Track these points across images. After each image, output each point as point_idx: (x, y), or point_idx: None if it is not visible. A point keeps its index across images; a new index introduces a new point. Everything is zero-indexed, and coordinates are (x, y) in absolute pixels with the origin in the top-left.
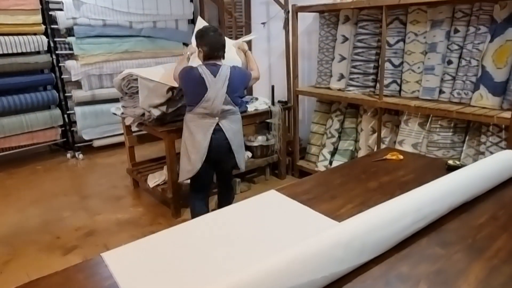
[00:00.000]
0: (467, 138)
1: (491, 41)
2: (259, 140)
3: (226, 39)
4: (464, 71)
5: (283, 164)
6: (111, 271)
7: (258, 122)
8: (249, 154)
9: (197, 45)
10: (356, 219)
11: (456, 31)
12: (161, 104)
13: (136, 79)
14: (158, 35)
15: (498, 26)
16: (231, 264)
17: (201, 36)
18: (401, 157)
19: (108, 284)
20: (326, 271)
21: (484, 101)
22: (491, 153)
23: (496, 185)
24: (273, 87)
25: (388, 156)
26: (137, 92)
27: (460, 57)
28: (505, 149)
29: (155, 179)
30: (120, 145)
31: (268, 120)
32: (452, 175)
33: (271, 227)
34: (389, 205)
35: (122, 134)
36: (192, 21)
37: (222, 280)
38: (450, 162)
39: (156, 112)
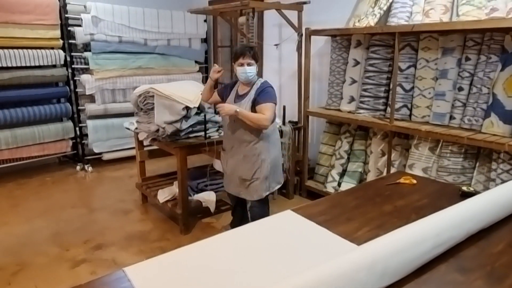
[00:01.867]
0: (477, 164)
1: (502, 70)
2: None
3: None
4: (475, 98)
5: (291, 183)
6: (134, 286)
7: None
8: None
9: (256, 62)
10: (377, 242)
11: (467, 59)
12: (176, 121)
13: (153, 96)
14: (171, 52)
15: (509, 55)
16: (252, 283)
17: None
18: (414, 181)
19: None
20: None
21: (495, 128)
22: (502, 180)
23: None
24: (284, 107)
25: (401, 180)
26: (152, 109)
27: (471, 84)
28: None
29: (165, 195)
30: (128, 159)
31: None
32: (470, 201)
33: (291, 247)
34: (409, 230)
35: (131, 148)
36: (205, 40)
37: None
38: (464, 188)
39: (170, 129)
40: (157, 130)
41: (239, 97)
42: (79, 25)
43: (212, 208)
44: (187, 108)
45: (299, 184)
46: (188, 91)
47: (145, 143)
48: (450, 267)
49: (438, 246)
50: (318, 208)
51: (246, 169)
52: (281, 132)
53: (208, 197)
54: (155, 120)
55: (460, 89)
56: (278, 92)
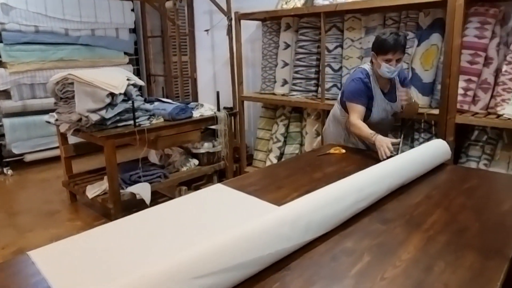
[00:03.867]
0: (402, 136)
1: (418, 45)
2: (205, 147)
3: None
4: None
5: (230, 170)
6: (39, 267)
7: (204, 128)
8: (196, 161)
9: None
10: (301, 199)
11: None
12: (100, 109)
13: (72, 83)
14: (97, 43)
15: (424, 31)
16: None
17: None
18: (344, 151)
19: (34, 280)
20: (272, 248)
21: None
22: None
23: (430, 169)
24: (218, 93)
25: (332, 151)
26: (73, 97)
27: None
28: None
29: (94, 190)
30: (56, 159)
31: (213, 126)
32: (390, 160)
33: (217, 216)
34: (332, 187)
35: (57, 147)
36: (134, 31)
37: (167, 259)
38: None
39: (94, 117)
40: (80, 120)
41: (388, 97)
42: None
43: (148, 200)
44: (112, 95)
45: (238, 171)
46: (112, 77)
47: (68, 135)
48: (373, 219)
49: (361, 201)
50: (249, 180)
51: None
52: (215, 119)
53: (142, 189)
54: (76, 109)
55: None
56: (212, 80)
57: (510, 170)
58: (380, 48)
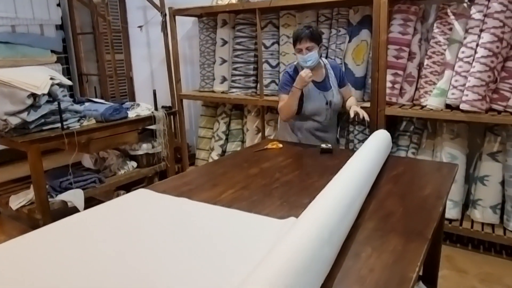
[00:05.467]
0: (338, 129)
1: (349, 41)
2: (144, 148)
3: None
4: None
5: (172, 171)
6: None
7: (142, 128)
8: (134, 164)
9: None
10: (323, 210)
11: (321, 33)
12: (20, 111)
13: None
14: (18, 41)
15: (354, 28)
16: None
17: None
18: (281, 145)
19: None
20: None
21: None
22: (359, 140)
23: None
24: (154, 91)
25: (269, 146)
26: None
27: (327, 57)
28: (368, 135)
29: (19, 200)
30: None
31: (152, 127)
32: (366, 157)
33: (136, 226)
34: (342, 190)
35: None
36: (61, 27)
37: None
38: (323, 146)
39: (14, 121)
40: None
41: (321, 86)
42: None
43: (81, 207)
44: (34, 96)
45: (181, 171)
46: (33, 76)
47: None
48: None
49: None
50: (184, 179)
51: None
52: (153, 118)
53: (74, 196)
54: None
55: None
56: (150, 79)
57: (434, 157)
58: (292, 41)
